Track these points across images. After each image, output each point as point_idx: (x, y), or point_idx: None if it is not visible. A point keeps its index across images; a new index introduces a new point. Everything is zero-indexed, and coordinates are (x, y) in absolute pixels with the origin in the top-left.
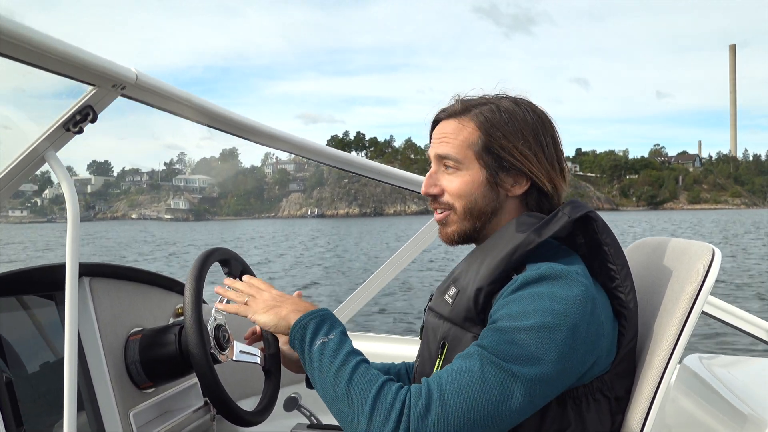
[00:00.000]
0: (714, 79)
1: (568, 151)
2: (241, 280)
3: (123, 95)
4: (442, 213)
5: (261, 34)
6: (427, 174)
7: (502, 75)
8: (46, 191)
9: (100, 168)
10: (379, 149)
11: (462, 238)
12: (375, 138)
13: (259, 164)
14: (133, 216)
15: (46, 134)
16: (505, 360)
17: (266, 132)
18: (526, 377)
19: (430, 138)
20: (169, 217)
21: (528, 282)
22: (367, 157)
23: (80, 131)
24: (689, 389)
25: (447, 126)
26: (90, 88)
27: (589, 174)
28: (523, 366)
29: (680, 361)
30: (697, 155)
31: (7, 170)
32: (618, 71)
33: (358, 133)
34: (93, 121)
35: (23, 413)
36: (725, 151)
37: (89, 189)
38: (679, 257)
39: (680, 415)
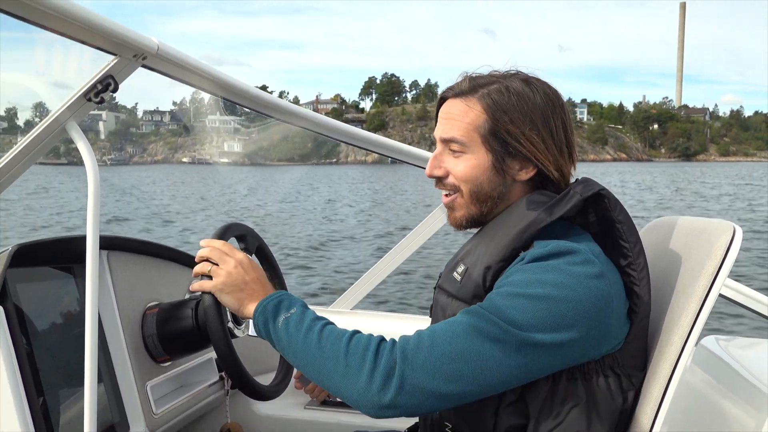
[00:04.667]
0: (613, 34)
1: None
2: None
3: (144, 66)
4: (449, 196)
5: None
6: (432, 155)
7: (409, 22)
8: None
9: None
10: (424, 95)
11: (470, 223)
12: (416, 81)
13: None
14: (185, 160)
15: (67, 104)
16: (502, 319)
17: (290, 110)
18: (519, 338)
19: (437, 117)
20: (225, 161)
21: (536, 258)
22: (411, 104)
23: (101, 101)
24: (706, 370)
25: (453, 106)
26: (111, 57)
27: (611, 125)
28: (519, 329)
29: (697, 343)
30: (708, 109)
31: (28, 140)
32: (522, 23)
33: (392, 75)
34: (114, 90)
35: (43, 384)
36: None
37: (102, 127)
38: (697, 235)
39: (697, 396)
